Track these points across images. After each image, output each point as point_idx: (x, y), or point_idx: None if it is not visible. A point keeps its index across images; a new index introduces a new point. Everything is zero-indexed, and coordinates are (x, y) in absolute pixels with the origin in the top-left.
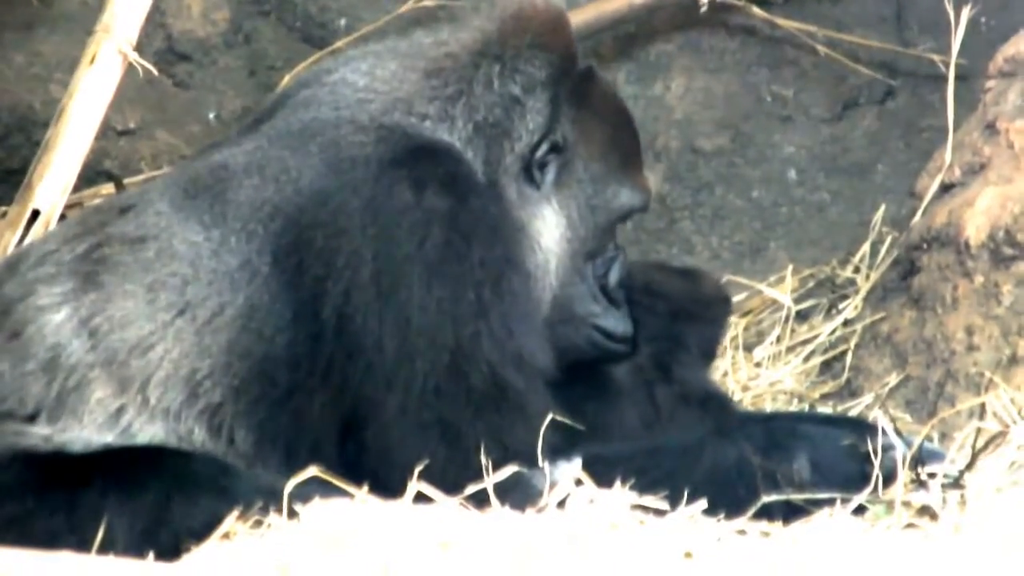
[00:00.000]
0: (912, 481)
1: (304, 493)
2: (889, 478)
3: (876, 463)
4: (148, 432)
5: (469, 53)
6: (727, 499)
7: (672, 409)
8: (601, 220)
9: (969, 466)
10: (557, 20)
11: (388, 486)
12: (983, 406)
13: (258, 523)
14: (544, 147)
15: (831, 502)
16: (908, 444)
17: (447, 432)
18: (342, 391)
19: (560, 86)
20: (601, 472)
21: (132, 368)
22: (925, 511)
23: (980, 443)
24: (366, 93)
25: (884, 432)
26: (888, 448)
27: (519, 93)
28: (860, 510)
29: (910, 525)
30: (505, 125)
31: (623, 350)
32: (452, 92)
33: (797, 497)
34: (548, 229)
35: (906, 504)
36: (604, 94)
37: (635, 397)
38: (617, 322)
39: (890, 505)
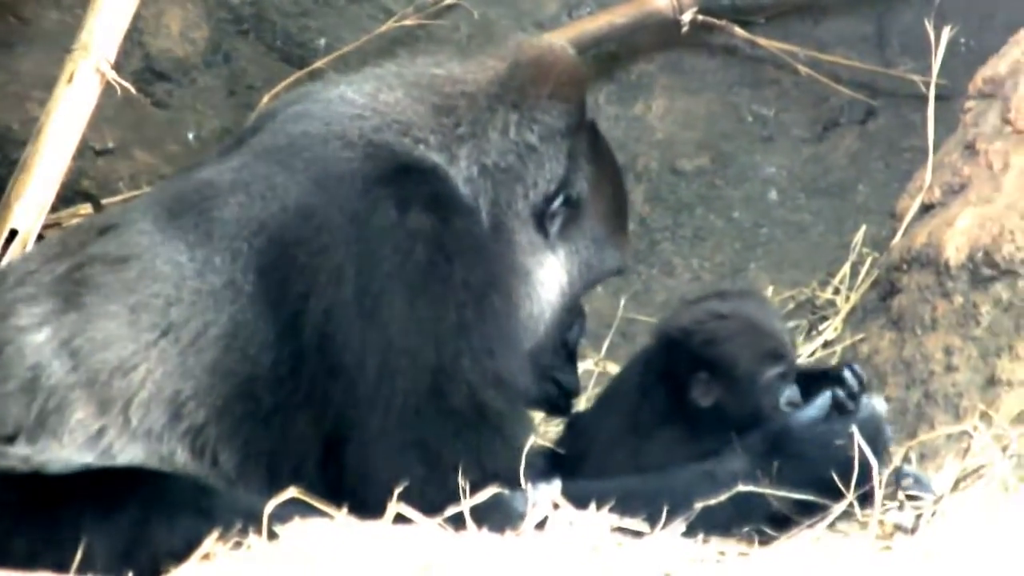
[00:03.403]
0: (887, 499)
1: (284, 514)
2: (867, 498)
3: (852, 483)
4: (129, 453)
5: (486, 96)
6: (712, 530)
7: None
8: (591, 279)
9: (947, 494)
10: (575, 71)
11: (368, 506)
12: (965, 432)
13: (238, 544)
14: (560, 198)
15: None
16: (887, 465)
17: (427, 452)
18: (324, 410)
19: (576, 138)
20: (584, 503)
21: (114, 389)
22: (900, 532)
23: (962, 472)
24: (363, 111)
25: (863, 453)
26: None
27: (535, 142)
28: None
29: (885, 548)
30: (518, 171)
31: (568, 407)
32: (463, 132)
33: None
34: (550, 280)
35: (882, 524)
36: (607, 151)
37: None
38: (573, 378)
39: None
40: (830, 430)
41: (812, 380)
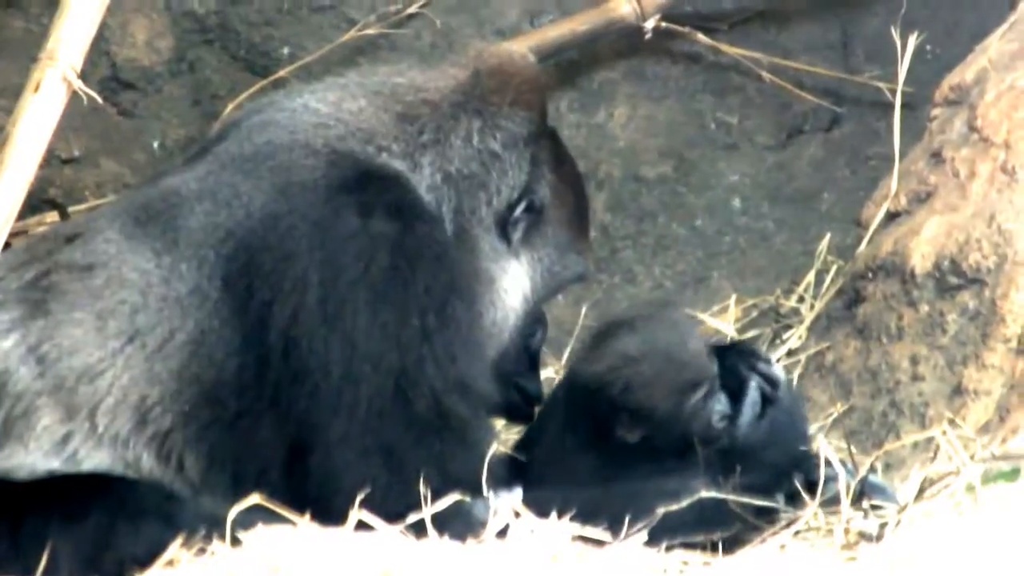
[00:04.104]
0: (853, 507)
1: (248, 520)
2: (831, 507)
3: (818, 492)
4: (95, 459)
5: (449, 104)
6: (675, 540)
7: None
8: (554, 286)
9: (914, 500)
10: (537, 79)
11: (332, 511)
12: (930, 439)
13: (202, 550)
14: (523, 205)
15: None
16: (851, 474)
17: (390, 458)
18: (288, 415)
19: (538, 146)
20: (545, 512)
21: (80, 395)
22: (865, 540)
23: (927, 480)
24: (327, 119)
25: (827, 462)
26: (831, 478)
27: (498, 149)
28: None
29: (850, 558)
30: (482, 178)
31: (531, 414)
32: (427, 140)
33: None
34: (513, 287)
35: (846, 532)
36: (568, 159)
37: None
38: (535, 385)
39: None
40: (772, 426)
41: (726, 361)
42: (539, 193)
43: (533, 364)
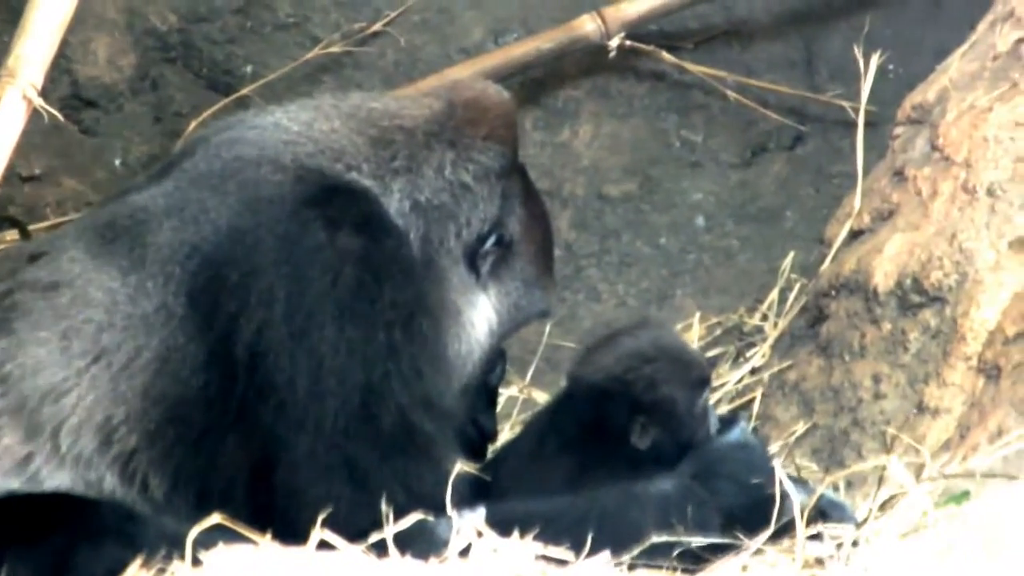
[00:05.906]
0: (810, 527)
1: (209, 540)
2: (789, 527)
3: (774, 512)
4: (56, 479)
5: (424, 133)
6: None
7: None
8: (519, 321)
9: (865, 521)
10: (510, 114)
11: (296, 528)
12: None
13: (162, 571)
14: (492, 238)
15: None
16: (811, 493)
17: (355, 474)
18: (253, 431)
19: (509, 180)
20: (508, 525)
21: (43, 415)
22: (821, 562)
23: (881, 500)
24: (297, 138)
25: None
26: (787, 497)
27: (470, 181)
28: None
29: None
30: (451, 209)
31: (484, 451)
32: (399, 166)
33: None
34: (480, 320)
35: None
36: (537, 195)
37: None
38: (492, 422)
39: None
40: (751, 452)
41: None
42: (509, 227)
43: (491, 401)
